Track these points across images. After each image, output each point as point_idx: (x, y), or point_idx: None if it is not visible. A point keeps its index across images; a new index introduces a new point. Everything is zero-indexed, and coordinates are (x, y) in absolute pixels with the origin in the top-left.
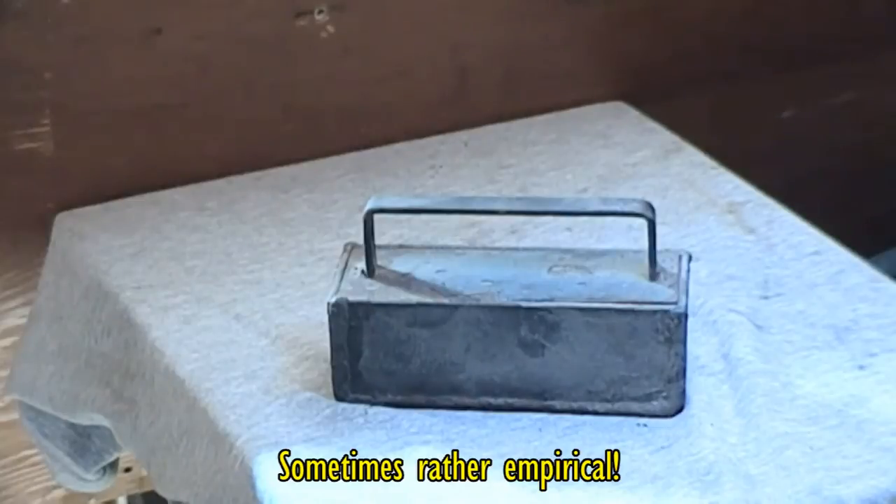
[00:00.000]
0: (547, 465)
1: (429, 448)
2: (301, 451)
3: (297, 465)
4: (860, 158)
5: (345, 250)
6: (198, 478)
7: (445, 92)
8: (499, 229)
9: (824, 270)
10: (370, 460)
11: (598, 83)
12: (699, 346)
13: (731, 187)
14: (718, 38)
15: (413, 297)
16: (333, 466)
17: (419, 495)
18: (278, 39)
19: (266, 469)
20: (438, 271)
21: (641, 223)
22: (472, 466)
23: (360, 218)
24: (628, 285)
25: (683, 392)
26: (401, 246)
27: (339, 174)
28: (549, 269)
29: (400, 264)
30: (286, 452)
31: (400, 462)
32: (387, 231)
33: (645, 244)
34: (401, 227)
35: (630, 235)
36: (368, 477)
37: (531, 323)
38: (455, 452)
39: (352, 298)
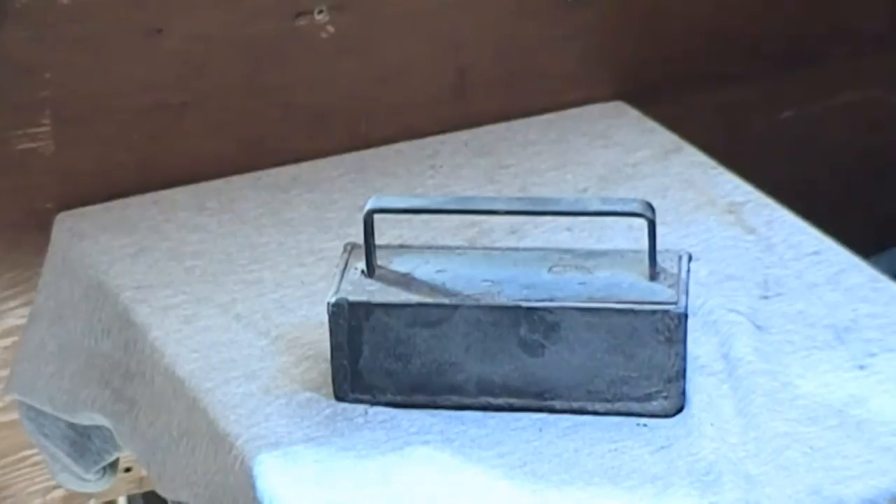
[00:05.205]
0: (547, 465)
1: (429, 448)
2: (301, 451)
3: (298, 466)
4: (860, 159)
5: (345, 250)
6: (198, 478)
7: (445, 92)
8: (499, 229)
9: (824, 270)
10: (370, 460)
11: (598, 83)
12: (699, 346)
13: (731, 187)
14: (718, 38)
15: (413, 297)
16: (333, 467)
17: (419, 496)
18: (278, 39)
19: (266, 469)
20: (438, 271)
21: (641, 223)
22: (473, 466)
23: (360, 218)
24: (628, 285)
25: (683, 392)
26: (401, 246)
27: (339, 174)
28: (549, 269)
29: (400, 264)
30: (286, 452)
31: (400, 462)
32: (387, 231)
33: (645, 244)
34: (401, 227)
35: (630, 235)
36: (368, 477)
37: (531, 323)
38: (455, 453)
39: (352, 298)
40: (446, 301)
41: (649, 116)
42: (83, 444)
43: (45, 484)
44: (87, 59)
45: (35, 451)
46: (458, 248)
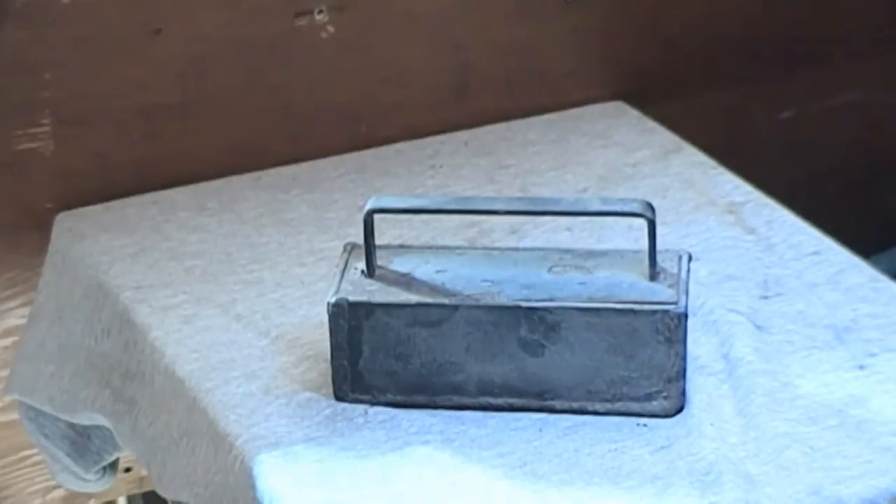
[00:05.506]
0: (547, 465)
1: (429, 448)
2: (301, 451)
3: (298, 466)
4: (860, 159)
5: (345, 250)
6: (198, 478)
7: (445, 92)
8: (499, 229)
9: (824, 270)
10: (370, 460)
11: (598, 83)
12: (699, 346)
13: (731, 187)
14: (718, 38)
15: (413, 297)
16: (333, 467)
17: (419, 496)
18: (278, 39)
19: (266, 469)
20: (438, 271)
21: (641, 223)
22: (473, 466)
23: (360, 218)
24: (628, 285)
25: (683, 392)
26: (401, 246)
27: (339, 174)
28: (549, 269)
29: (400, 264)
30: (286, 452)
31: (400, 462)
32: (387, 231)
33: (645, 244)
34: (401, 227)
35: (630, 235)
36: (368, 477)
37: (531, 323)
38: (455, 453)
39: (352, 298)
40: (446, 301)
41: (649, 116)
42: (83, 444)
43: (45, 484)
44: (87, 59)
45: (35, 451)
46: (458, 248)
